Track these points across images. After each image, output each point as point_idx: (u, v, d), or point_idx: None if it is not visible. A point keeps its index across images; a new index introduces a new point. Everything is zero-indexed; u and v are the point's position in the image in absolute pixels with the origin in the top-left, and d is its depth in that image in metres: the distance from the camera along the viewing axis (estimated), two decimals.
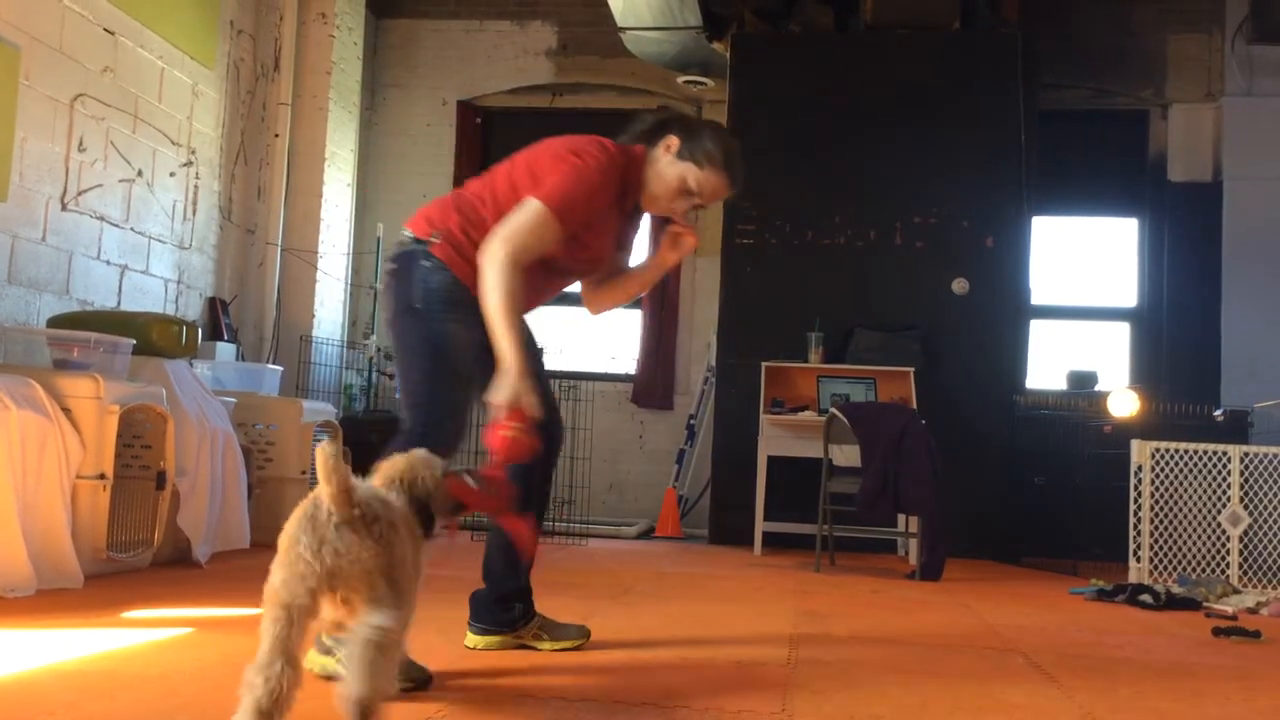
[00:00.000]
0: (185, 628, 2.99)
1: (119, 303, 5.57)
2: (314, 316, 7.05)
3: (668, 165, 2.78)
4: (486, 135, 8.15)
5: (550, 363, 7.36)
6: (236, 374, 5.90)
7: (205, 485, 4.47)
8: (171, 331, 4.73)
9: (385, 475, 2.16)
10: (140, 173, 5.73)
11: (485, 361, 2.55)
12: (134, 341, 4.38)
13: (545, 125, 8.14)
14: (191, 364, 4.95)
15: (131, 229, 5.69)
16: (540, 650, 2.85)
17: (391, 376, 7.11)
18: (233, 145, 6.64)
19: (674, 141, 2.78)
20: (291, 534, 1.89)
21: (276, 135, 6.98)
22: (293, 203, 7.04)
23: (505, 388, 2.41)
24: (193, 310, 6.27)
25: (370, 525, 1.87)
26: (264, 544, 5.04)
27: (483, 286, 2.50)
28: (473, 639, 2.87)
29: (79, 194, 5.26)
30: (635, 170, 2.79)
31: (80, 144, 5.24)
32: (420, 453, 2.23)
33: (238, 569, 4.37)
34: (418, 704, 2.23)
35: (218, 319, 6.41)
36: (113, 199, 5.52)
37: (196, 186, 6.27)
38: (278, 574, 1.87)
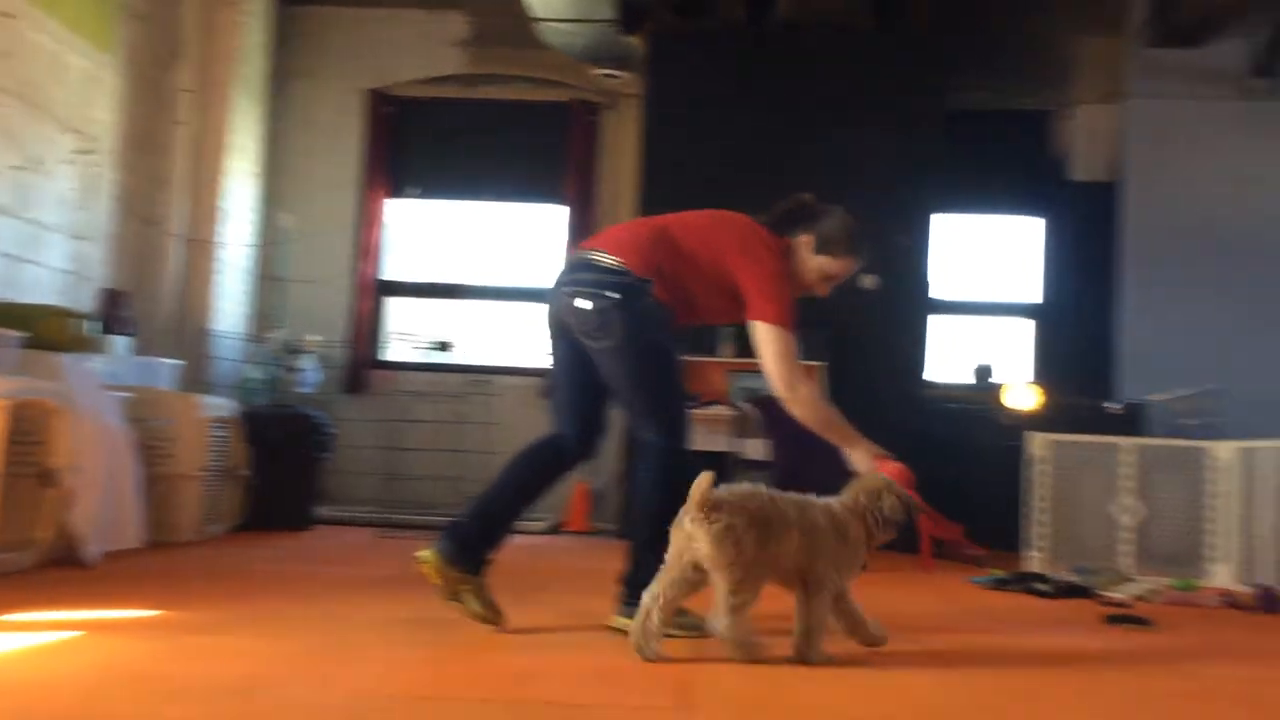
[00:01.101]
0: (73, 630, 2.89)
1: (8, 294, 5.37)
2: (214, 309, 6.89)
3: (808, 258, 3.32)
4: (398, 125, 8.03)
5: (458, 357, 7.32)
6: (133, 368, 5.73)
7: (98, 483, 4.34)
8: (64, 324, 4.59)
9: (855, 490, 2.99)
10: (34, 160, 5.53)
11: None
12: (23, 334, 4.23)
13: (456, 116, 8.11)
14: (85, 358, 4.80)
15: (23, 218, 5.49)
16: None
17: (297, 371, 6.97)
18: (132, 133, 6.45)
19: (810, 240, 3.32)
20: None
21: (178, 123, 6.79)
22: (194, 193, 6.87)
23: (865, 453, 3.18)
24: (88, 302, 6.07)
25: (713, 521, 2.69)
26: (157, 542, 4.93)
27: (807, 417, 3.17)
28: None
29: None
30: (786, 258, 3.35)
31: None
32: (887, 479, 3.01)
33: (131, 568, 4.25)
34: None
35: (114, 311, 6.22)
36: (3, 186, 5.32)
37: (93, 175, 6.08)
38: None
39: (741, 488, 2.82)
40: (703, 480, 2.72)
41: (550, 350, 3.35)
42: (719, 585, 2.73)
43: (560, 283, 3.21)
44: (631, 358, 3.11)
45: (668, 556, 2.79)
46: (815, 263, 3.31)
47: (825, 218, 3.36)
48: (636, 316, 3.08)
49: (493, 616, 3.11)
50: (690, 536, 2.72)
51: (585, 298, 3.10)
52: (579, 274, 3.16)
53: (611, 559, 5.43)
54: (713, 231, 3.25)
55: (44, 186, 5.65)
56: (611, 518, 6.96)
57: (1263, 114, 7.42)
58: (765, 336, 3.14)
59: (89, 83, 5.99)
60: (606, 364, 3.15)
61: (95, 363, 5.11)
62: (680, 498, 2.86)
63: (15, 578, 3.86)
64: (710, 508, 2.70)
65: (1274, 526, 4.74)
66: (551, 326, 3.28)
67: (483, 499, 3.20)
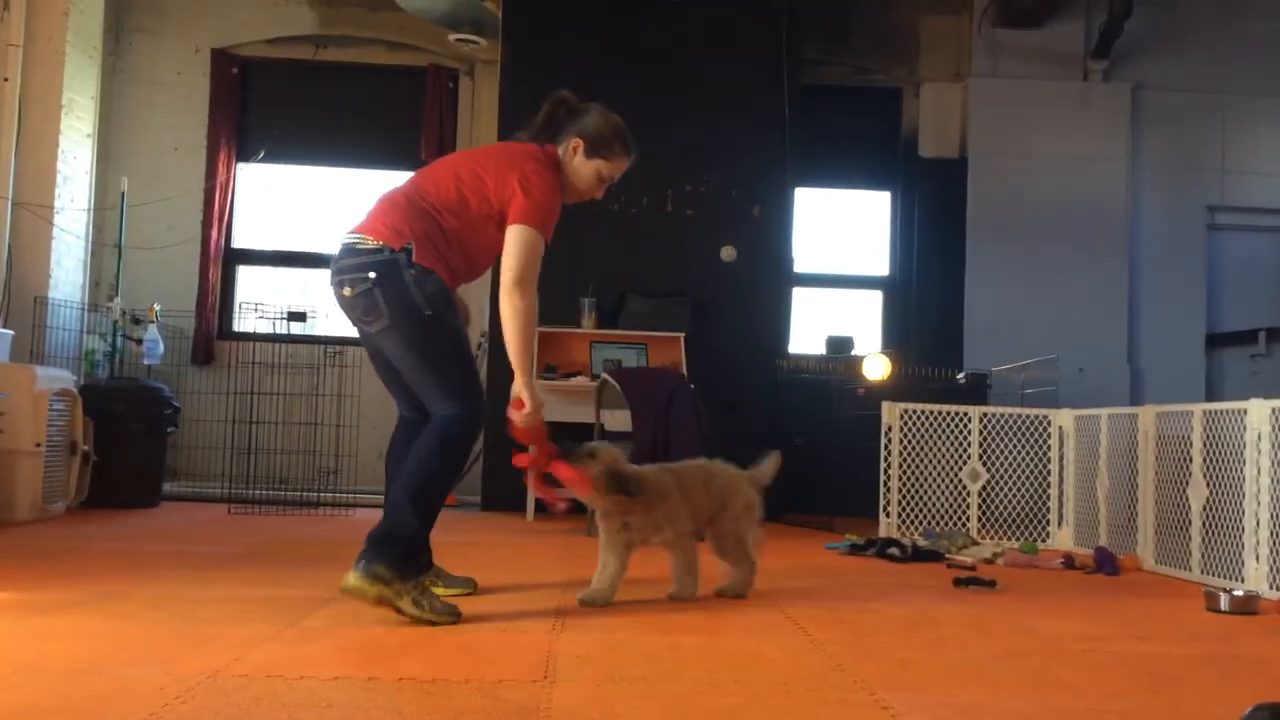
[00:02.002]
0: None
1: None
2: (50, 277, 6.53)
3: (581, 164, 3.26)
4: (244, 87, 7.72)
5: (314, 327, 7.11)
6: None
7: None
8: None
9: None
10: None
11: None
12: None
13: (308, 79, 7.84)
14: None
15: None
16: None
17: (140, 342, 6.67)
18: None
19: (579, 143, 3.24)
20: None
21: (5, 79, 6.40)
22: (24, 154, 6.48)
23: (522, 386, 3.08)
24: None
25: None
26: None
27: (513, 312, 3.00)
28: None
29: None
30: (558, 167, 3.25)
31: None
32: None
33: None
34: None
35: None
36: None
37: None
38: None
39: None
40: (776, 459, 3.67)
41: (361, 340, 3.27)
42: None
43: (331, 274, 3.08)
44: (405, 334, 2.98)
45: None
46: (590, 168, 3.27)
47: (586, 117, 3.29)
48: (400, 291, 2.95)
49: (441, 618, 2.84)
50: None
51: (348, 284, 3.00)
52: (342, 261, 3.04)
53: (477, 531, 5.40)
54: (474, 169, 3.12)
55: None
56: (475, 489, 6.89)
57: (1100, 94, 7.76)
58: (518, 235, 3.04)
59: None
60: (385, 345, 3.06)
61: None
62: (458, 465, 3.02)
63: None
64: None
65: (1110, 491, 5.00)
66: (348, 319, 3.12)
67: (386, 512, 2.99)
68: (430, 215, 3.04)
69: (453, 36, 7.47)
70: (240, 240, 7.75)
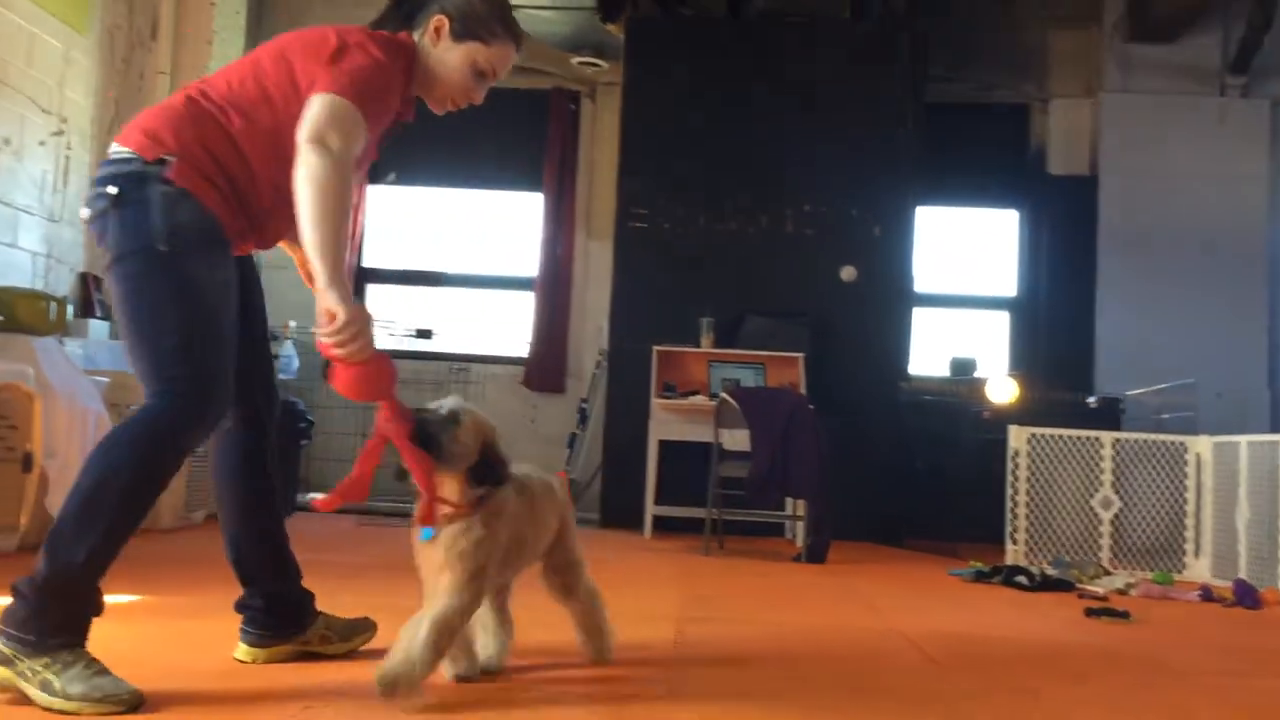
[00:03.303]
0: None
1: None
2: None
3: (446, 52, 2.33)
4: None
5: (440, 344, 7.28)
6: (110, 352, 5.67)
7: (76, 467, 4.28)
8: (39, 307, 4.52)
9: None
10: (7, 141, 5.46)
11: (248, 317, 2.25)
12: None
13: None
14: (62, 342, 4.74)
15: None
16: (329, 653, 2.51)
17: (276, 357, 6.91)
18: (107, 115, 6.37)
19: (443, 22, 2.32)
20: None
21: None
22: None
23: (329, 295, 2.03)
24: (63, 286, 6.00)
25: None
26: (140, 528, 4.87)
27: (309, 177, 2.03)
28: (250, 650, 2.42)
29: None
30: (412, 64, 2.34)
31: None
32: None
33: None
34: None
35: (90, 295, 6.16)
36: None
37: (68, 157, 6.01)
38: None
39: None
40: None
41: None
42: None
43: None
44: (122, 272, 2.10)
45: None
46: (460, 54, 2.33)
47: None
48: (137, 212, 2.09)
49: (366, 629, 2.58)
50: None
51: (88, 204, 2.17)
52: (96, 175, 2.19)
53: (597, 548, 5.44)
54: (280, 52, 2.23)
55: (18, 169, 5.57)
56: (594, 506, 6.96)
57: (1238, 110, 7.48)
58: (318, 100, 2.10)
59: (64, 64, 5.91)
60: (111, 290, 2.16)
61: (72, 347, 5.05)
62: (141, 486, 2.08)
63: None
64: None
65: (1251, 521, 4.80)
66: None
67: (236, 557, 2.51)
68: (211, 119, 2.16)
69: (575, 60, 7.59)
70: (370, 259, 7.98)
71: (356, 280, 7.85)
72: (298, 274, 2.42)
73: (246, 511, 2.43)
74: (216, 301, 2.15)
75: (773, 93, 6.87)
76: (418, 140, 7.99)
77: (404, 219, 8.04)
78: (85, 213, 2.17)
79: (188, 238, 2.10)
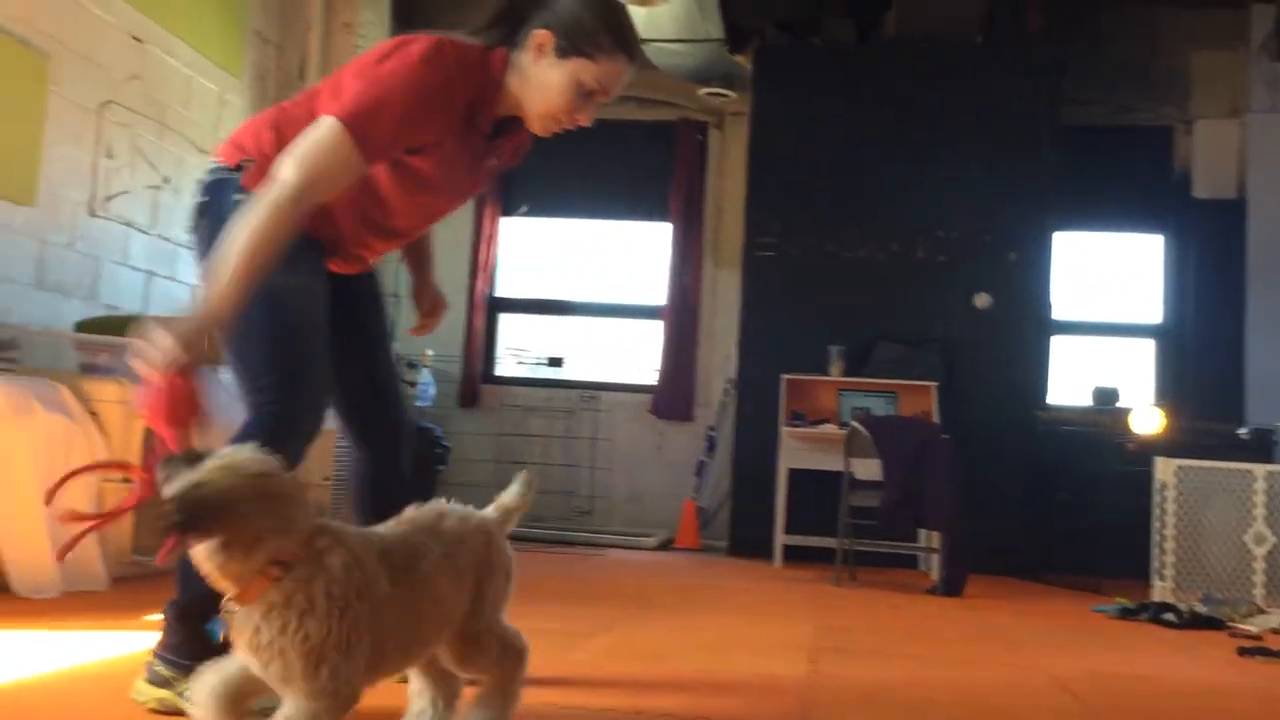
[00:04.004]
0: None
1: (146, 308, 5.60)
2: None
3: (549, 70, 2.13)
4: None
5: (570, 372, 7.39)
6: None
7: None
8: None
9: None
10: (167, 179, 5.77)
11: (342, 323, 2.12)
12: None
13: (565, 135, 8.16)
14: (216, 369, 4.97)
15: (158, 235, 5.73)
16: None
17: (414, 385, 7.12)
18: None
19: (547, 38, 2.12)
20: None
21: None
22: None
23: (175, 324, 1.84)
24: None
25: None
26: None
27: (255, 208, 1.90)
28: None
29: (106, 200, 5.30)
30: (490, 78, 2.16)
31: (108, 150, 5.28)
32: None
33: None
34: None
35: None
36: (140, 205, 5.56)
37: None
38: None
39: None
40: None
41: None
42: None
43: None
44: None
45: None
46: (563, 73, 2.12)
47: (563, 2, 2.14)
48: (216, 222, 2.03)
49: None
50: None
51: (190, 217, 2.21)
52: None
53: (725, 576, 5.44)
54: (360, 66, 2.11)
55: (176, 206, 5.88)
56: (722, 534, 6.95)
57: None
58: (319, 126, 1.97)
59: (219, 105, 6.23)
60: None
61: (226, 375, 5.29)
62: None
63: (156, 579, 4.00)
64: None
65: None
66: None
67: None
68: (291, 125, 2.09)
69: (702, 91, 7.66)
70: (502, 289, 8.16)
71: (489, 309, 8.02)
72: None
73: None
74: (298, 306, 2.09)
75: (903, 118, 6.82)
76: (549, 173, 8.16)
77: (535, 250, 8.20)
78: (188, 224, 2.20)
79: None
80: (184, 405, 1.83)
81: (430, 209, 2.28)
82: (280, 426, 2.01)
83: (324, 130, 1.95)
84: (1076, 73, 7.27)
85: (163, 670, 2.03)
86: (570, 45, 2.11)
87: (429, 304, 2.58)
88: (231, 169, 2.12)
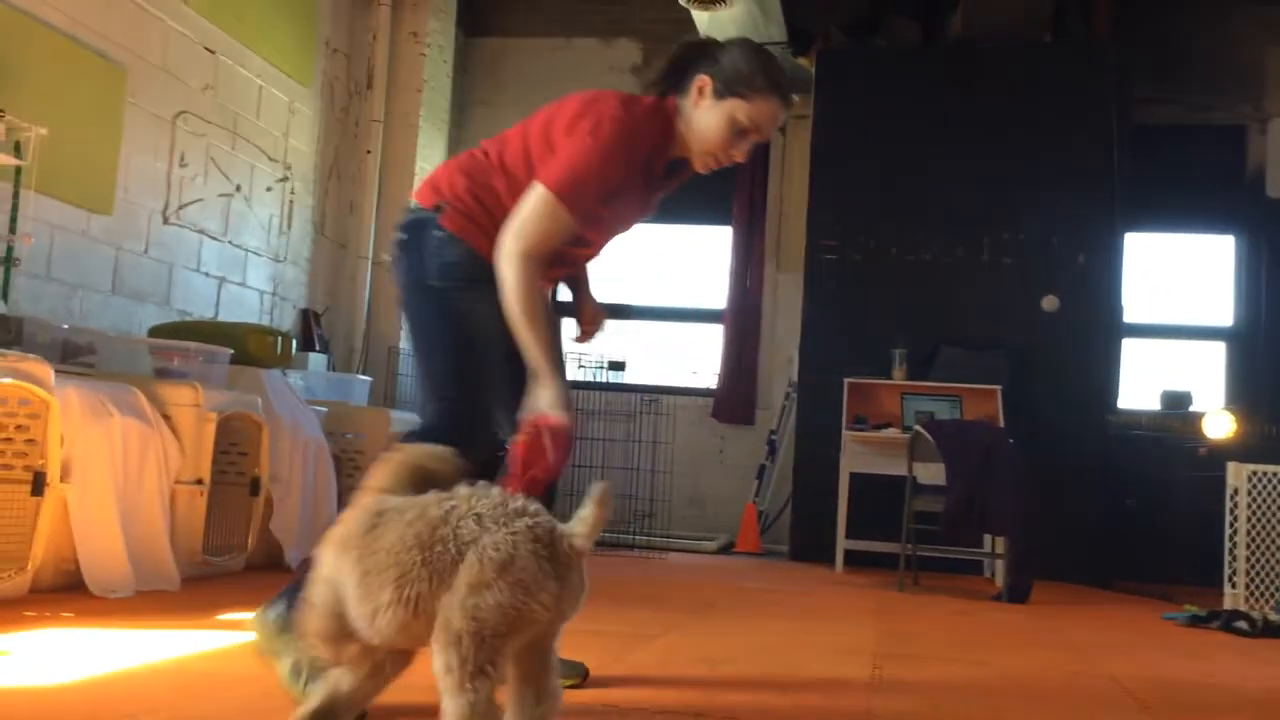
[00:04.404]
0: None
1: (217, 313, 5.74)
2: (402, 329, 7.17)
3: (708, 111, 2.39)
4: None
5: (631, 376, 7.42)
6: (327, 384, 6.03)
7: (298, 492, 4.58)
8: (267, 342, 4.86)
9: (384, 473, 1.85)
10: (239, 188, 5.90)
11: (513, 352, 2.29)
12: (231, 351, 4.51)
13: None
14: (285, 374, 5.08)
15: (230, 242, 5.86)
16: None
17: None
18: (326, 161, 6.81)
19: (706, 82, 2.39)
20: None
21: (369, 151, 7.14)
22: (383, 217, 7.19)
23: (540, 395, 2.22)
24: (286, 321, 6.43)
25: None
26: None
27: (501, 287, 2.25)
28: None
29: (180, 208, 5.43)
30: (668, 128, 2.43)
31: (181, 159, 5.42)
32: (427, 446, 1.92)
33: None
34: None
35: (310, 330, 6.57)
36: (212, 213, 5.69)
37: (291, 201, 6.44)
38: None
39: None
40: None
41: None
42: None
43: None
44: (406, 305, 2.44)
45: None
46: (720, 113, 2.38)
47: (726, 51, 2.43)
48: (416, 255, 2.39)
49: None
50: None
51: (390, 250, 2.55)
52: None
53: (786, 579, 5.43)
54: (548, 116, 2.41)
55: (248, 213, 6.01)
56: (783, 538, 6.93)
57: None
58: (532, 200, 2.27)
59: (288, 114, 6.35)
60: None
61: (294, 378, 5.40)
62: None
63: (226, 579, 4.10)
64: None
65: None
66: None
67: None
68: (485, 172, 2.41)
69: None
70: (564, 294, 8.21)
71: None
72: None
73: None
74: (485, 330, 2.33)
75: (968, 119, 6.75)
76: None
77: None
78: (388, 256, 2.42)
79: (457, 275, 2.34)
80: (554, 468, 2.18)
81: (599, 243, 2.55)
82: (452, 437, 2.11)
83: (541, 202, 2.26)
84: (1147, 71, 7.15)
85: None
86: (726, 87, 2.37)
87: (590, 316, 2.76)
88: (429, 209, 2.40)
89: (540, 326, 2.24)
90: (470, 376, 2.36)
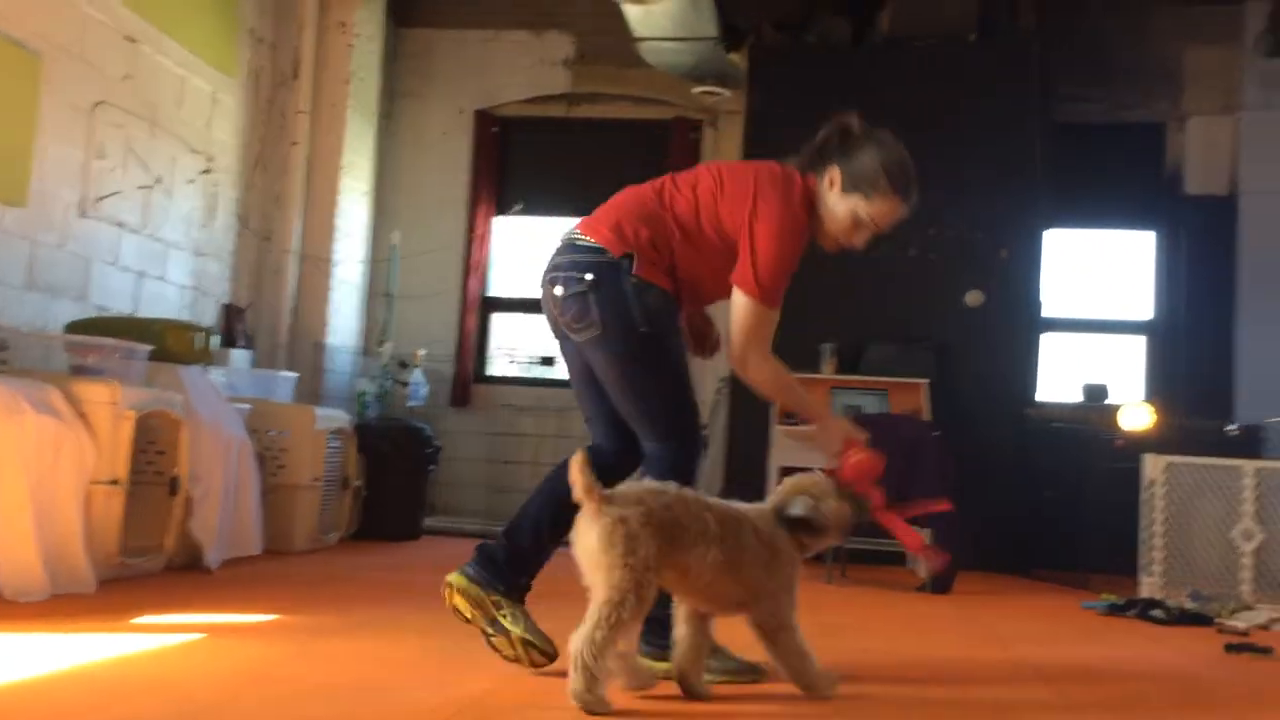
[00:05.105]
0: (197, 633, 3.01)
1: (136, 309, 5.61)
2: (328, 324, 7.08)
3: (836, 202, 2.75)
4: (503, 144, 8.18)
5: (563, 371, 7.40)
6: (251, 380, 5.93)
7: (218, 491, 4.50)
8: (187, 338, 4.77)
9: (778, 493, 2.61)
10: (159, 180, 5.78)
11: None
12: (150, 348, 4.42)
13: (561, 134, 8.22)
14: (207, 370, 4.99)
15: (149, 236, 5.74)
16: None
17: (406, 384, 7.13)
18: (251, 153, 6.69)
19: (836, 175, 2.75)
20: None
21: (295, 143, 7.02)
22: (310, 210, 7.09)
23: (830, 433, 2.78)
24: (209, 317, 6.31)
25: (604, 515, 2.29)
26: (274, 550, 5.08)
27: (763, 388, 2.74)
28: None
29: (98, 200, 5.30)
30: (812, 210, 2.79)
31: (100, 150, 5.29)
32: (815, 477, 2.61)
33: (249, 575, 4.39)
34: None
35: (233, 326, 6.45)
36: (131, 206, 5.57)
37: (214, 194, 6.32)
38: None
39: (643, 483, 2.44)
40: (579, 461, 2.33)
41: (561, 352, 2.93)
42: (595, 594, 2.32)
43: (544, 271, 2.80)
44: (614, 349, 2.66)
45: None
46: (844, 206, 2.74)
47: (863, 148, 2.77)
48: (617, 299, 2.63)
49: (542, 644, 2.69)
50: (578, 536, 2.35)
51: (561, 283, 2.71)
52: (559, 258, 2.76)
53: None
54: (713, 189, 2.74)
55: (169, 206, 5.89)
56: None
57: None
58: (741, 305, 2.68)
59: (211, 104, 6.23)
60: (593, 358, 2.73)
61: (216, 375, 5.30)
62: None
63: (144, 581, 4.02)
64: (601, 499, 2.31)
65: None
66: (549, 324, 2.85)
67: (516, 518, 2.86)
68: (662, 224, 2.71)
69: (697, 89, 7.66)
70: (495, 289, 8.17)
71: (482, 308, 8.03)
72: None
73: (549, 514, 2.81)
74: (681, 365, 2.73)
75: (896, 116, 6.66)
76: (543, 171, 8.17)
77: (529, 248, 8.21)
78: (559, 289, 2.70)
79: (660, 318, 2.67)
80: (879, 465, 2.77)
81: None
82: (697, 448, 2.74)
83: (750, 310, 2.67)
84: (1069, 70, 7.29)
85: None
86: (851, 184, 2.72)
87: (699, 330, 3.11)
88: (617, 256, 2.66)
89: (797, 393, 2.81)
90: (684, 407, 2.73)
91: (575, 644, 2.22)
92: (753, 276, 2.65)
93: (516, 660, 2.66)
